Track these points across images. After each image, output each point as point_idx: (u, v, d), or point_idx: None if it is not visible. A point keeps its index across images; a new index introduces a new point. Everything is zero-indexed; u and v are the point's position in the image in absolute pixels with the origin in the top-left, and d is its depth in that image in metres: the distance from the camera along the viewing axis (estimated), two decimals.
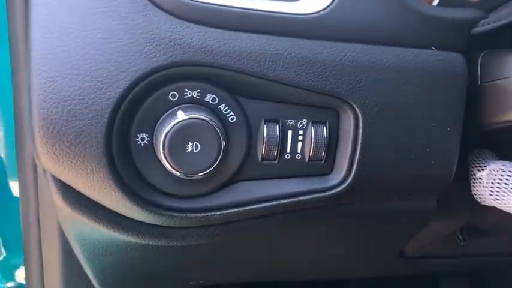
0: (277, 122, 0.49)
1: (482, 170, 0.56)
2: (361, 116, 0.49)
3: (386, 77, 0.49)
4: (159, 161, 0.47)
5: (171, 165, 0.45)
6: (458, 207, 0.61)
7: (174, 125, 0.45)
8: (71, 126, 0.44)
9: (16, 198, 0.71)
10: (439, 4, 0.61)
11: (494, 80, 0.51)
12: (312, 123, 0.50)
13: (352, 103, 0.48)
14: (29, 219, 0.69)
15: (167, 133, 0.45)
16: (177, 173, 0.46)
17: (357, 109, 0.49)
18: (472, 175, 0.57)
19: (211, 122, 0.45)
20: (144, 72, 0.44)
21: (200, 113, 0.45)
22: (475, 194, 0.57)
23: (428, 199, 0.56)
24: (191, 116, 0.45)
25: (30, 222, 0.69)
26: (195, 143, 0.45)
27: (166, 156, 0.45)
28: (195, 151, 0.45)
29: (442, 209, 0.57)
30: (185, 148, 0.45)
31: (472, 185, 0.58)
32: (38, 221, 0.68)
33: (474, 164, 0.57)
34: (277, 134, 0.49)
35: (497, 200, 0.53)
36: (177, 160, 0.45)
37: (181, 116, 0.45)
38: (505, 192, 0.52)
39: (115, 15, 0.45)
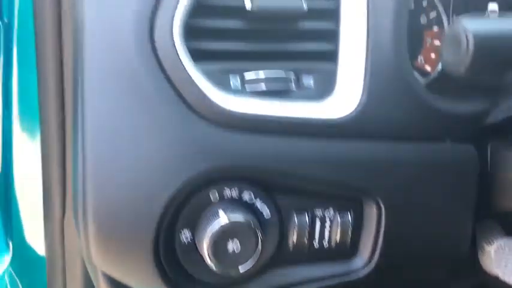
0: (306, 212, 0.53)
1: (490, 244, 0.60)
2: (384, 208, 0.53)
3: (408, 172, 0.53)
4: (202, 258, 0.50)
5: (214, 264, 0.49)
6: (469, 272, 0.66)
7: (218, 228, 0.48)
8: (123, 234, 0.47)
9: (42, 257, 0.74)
10: (439, 73, 0.66)
11: (503, 172, 0.55)
12: (338, 211, 0.54)
13: (376, 197, 0.53)
14: (54, 280, 0.72)
15: (211, 236, 0.48)
16: (219, 271, 0.50)
17: (381, 202, 0.53)
18: (480, 247, 0.62)
19: (251, 222, 0.49)
20: (187, 179, 0.48)
21: (240, 214, 0.49)
22: (482, 264, 0.62)
23: (442, 272, 0.61)
24: (233, 220, 0.48)
25: (56, 283, 0.72)
26: (235, 241, 0.49)
27: (210, 257, 0.48)
28: (236, 251, 0.49)
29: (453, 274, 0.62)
30: (226, 248, 0.49)
31: (479, 255, 0.62)
32: (64, 281, 0.71)
33: (482, 236, 0.62)
34: (307, 224, 0.53)
35: (504, 274, 0.58)
36: (220, 259, 0.49)
37: (223, 217, 0.48)
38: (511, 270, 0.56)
39: (160, 126, 0.47)
